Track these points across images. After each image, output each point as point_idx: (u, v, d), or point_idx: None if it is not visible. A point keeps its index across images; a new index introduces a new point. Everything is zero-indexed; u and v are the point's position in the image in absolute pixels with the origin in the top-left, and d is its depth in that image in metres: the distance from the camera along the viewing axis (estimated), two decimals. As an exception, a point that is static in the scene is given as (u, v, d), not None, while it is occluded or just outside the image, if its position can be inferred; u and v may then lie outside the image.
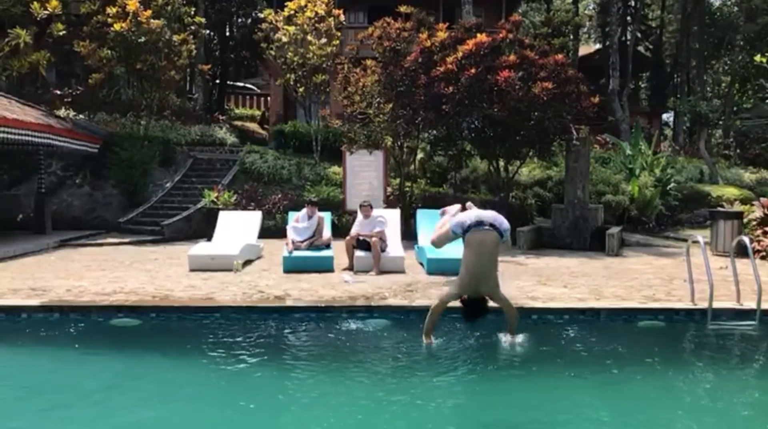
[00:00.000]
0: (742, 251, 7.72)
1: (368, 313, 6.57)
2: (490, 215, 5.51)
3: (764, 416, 4.46)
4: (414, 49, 12.30)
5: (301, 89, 16.19)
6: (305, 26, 15.63)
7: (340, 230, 11.51)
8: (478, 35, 11.93)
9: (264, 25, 16.81)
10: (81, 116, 16.15)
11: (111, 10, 14.67)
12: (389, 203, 13.22)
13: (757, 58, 23.83)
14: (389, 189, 14.08)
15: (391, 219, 9.80)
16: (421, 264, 9.26)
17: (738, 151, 22.14)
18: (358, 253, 8.88)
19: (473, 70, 11.41)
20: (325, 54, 15.61)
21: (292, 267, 8.74)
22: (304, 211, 9.58)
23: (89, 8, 15.26)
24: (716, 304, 6.45)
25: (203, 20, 18.46)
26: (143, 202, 14.70)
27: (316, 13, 15.74)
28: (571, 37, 26.23)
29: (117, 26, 14.42)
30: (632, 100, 27.32)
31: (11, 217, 13.83)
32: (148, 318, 6.51)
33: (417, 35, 12.50)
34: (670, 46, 31.19)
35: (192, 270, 8.84)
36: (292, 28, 15.69)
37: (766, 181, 18.03)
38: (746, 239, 6.87)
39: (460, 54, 11.65)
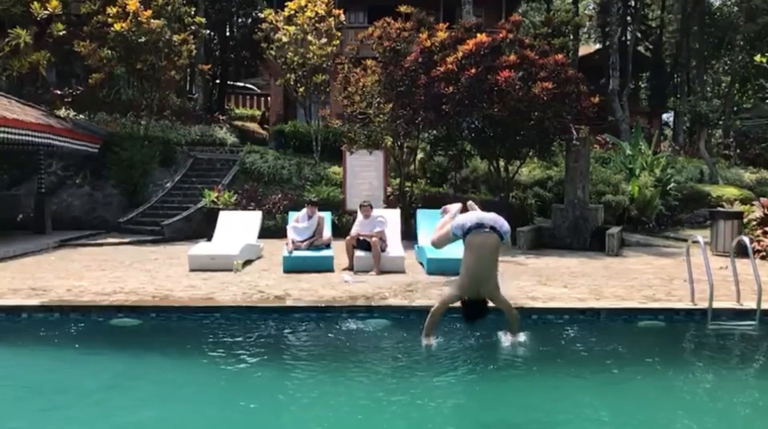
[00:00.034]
0: (742, 251, 7.72)
1: (368, 313, 6.56)
2: (490, 217, 5.51)
3: (764, 416, 4.46)
4: (414, 49, 12.31)
5: (301, 89, 16.20)
6: (305, 26, 15.63)
7: (340, 230, 11.51)
8: (478, 35, 11.93)
9: (264, 25, 16.82)
10: (81, 116, 16.15)
11: (111, 10, 14.68)
12: (389, 203, 13.22)
13: (757, 58, 23.81)
14: (389, 189, 14.08)
15: (391, 219, 9.80)
16: (421, 264, 9.26)
17: (738, 151, 22.14)
18: (358, 253, 8.88)
19: (473, 70, 11.41)
20: (325, 54, 15.62)
21: (292, 267, 8.74)
22: (304, 211, 9.58)
23: (89, 8, 15.26)
24: (716, 304, 6.45)
25: (203, 20, 18.47)
26: (143, 202, 14.71)
27: (316, 13, 15.74)
28: (571, 37, 26.22)
29: (117, 26, 14.43)
30: (632, 100, 27.32)
31: (11, 217, 13.83)
32: (148, 318, 6.50)
33: (417, 35, 12.50)
34: (670, 46, 31.19)
35: (192, 270, 8.84)
36: (292, 28, 15.69)
37: (766, 181, 18.04)
38: (746, 239, 6.87)
39: (460, 54, 11.65)
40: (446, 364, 5.32)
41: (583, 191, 11.93)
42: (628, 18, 28.52)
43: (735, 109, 25.70)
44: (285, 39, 15.73)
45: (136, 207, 14.49)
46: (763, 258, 10.03)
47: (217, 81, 28.45)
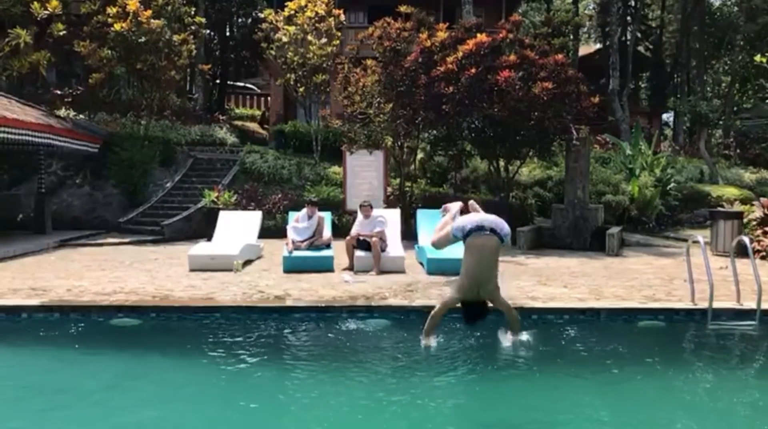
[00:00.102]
0: (742, 251, 7.71)
1: (368, 313, 6.56)
2: (490, 220, 5.51)
3: (764, 416, 4.45)
4: (414, 49, 12.31)
5: (301, 89, 16.20)
6: (305, 26, 15.63)
7: (340, 230, 11.51)
8: (478, 35, 11.93)
9: (264, 25, 16.82)
10: (81, 116, 16.15)
11: (111, 10, 14.68)
12: (389, 203, 13.22)
13: (757, 58, 23.82)
14: (389, 189, 14.08)
15: (391, 219, 9.80)
16: (421, 264, 9.26)
17: (738, 151, 22.15)
18: (358, 253, 8.88)
19: (473, 70, 11.41)
20: (326, 54, 15.62)
21: (292, 267, 8.74)
22: (304, 211, 9.58)
23: (89, 8, 15.26)
24: (716, 304, 6.45)
25: (203, 20, 18.47)
26: (143, 202, 14.71)
27: (317, 13, 15.74)
28: (571, 37, 26.22)
29: (117, 26, 14.43)
30: (632, 100, 27.32)
31: (11, 217, 13.83)
32: (148, 318, 6.50)
33: (417, 35, 12.50)
34: (670, 46, 31.20)
35: (192, 270, 8.84)
36: (292, 28, 15.70)
37: (766, 181, 18.04)
38: (746, 239, 6.87)
39: (460, 54, 11.65)
40: (446, 364, 5.32)
41: (583, 191, 11.93)
42: (628, 18, 28.52)
43: (735, 109, 25.70)
44: (285, 39, 15.74)
45: (136, 207, 14.49)
46: (763, 258, 10.02)
47: (217, 81, 28.45)
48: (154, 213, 14.10)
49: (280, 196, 13.96)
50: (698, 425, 4.27)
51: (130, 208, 14.52)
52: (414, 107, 12.16)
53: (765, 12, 23.72)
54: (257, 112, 28.85)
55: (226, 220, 10.83)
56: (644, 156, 15.82)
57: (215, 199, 13.29)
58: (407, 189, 13.71)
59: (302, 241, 9.22)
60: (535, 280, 8.19)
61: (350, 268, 8.84)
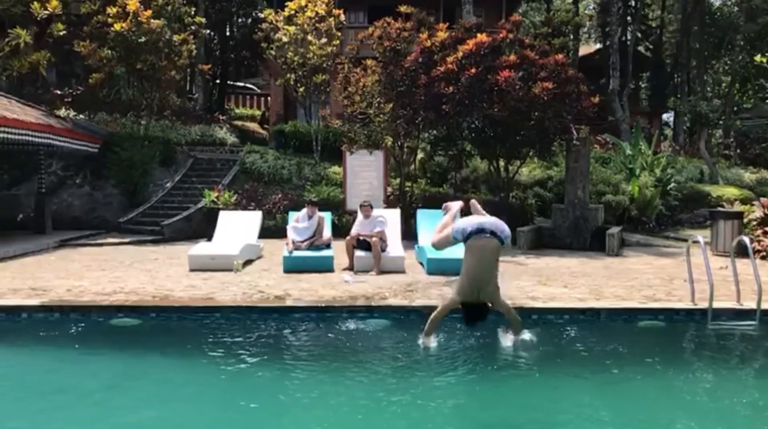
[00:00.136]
0: (742, 251, 7.72)
1: (368, 313, 6.57)
2: (491, 222, 5.51)
3: (764, 416, 4.45)
4: (414, 49, 12.30)
5: (301, 89, 16.20)
6: (305, 26, 15.64)
7: (340, 230, 11.51)
8: (479, 35, 11.93)
9: (264, 25, 16.82)
10: (81, 116, 16.15)
11: (111, 10, 14.68)
12: (389, 203, 13.22)
13: (758, 58, 23.81)
14: (389, 189, 14.08)
15: (391, 219, 9.80)
16: (421, 264, 9.26)
17: (738, 151, 22.14)
18: (359, 253, 8.88)
19: (473, 70, 11.41)
20: (326, 54, 15.62)
21: (293, 267, 8.74)
22: (305, 211, 9.58)
23: (89, 8, 15.26)
24: (716, 304, 6.44)
25: (203, 20, 18.47)
26: (143, 202, 14.71)
27: (317, 13, 15.75)
28: (571, 37, 26.21)
29: (117, 26, 14.43)
30: (632, 100, 27.31)
31: (11, 217, 13.83)
32: (148, 318, 6.51)
33: (417, 35, 12.49)
34: (670, 46, 31.20)
35: (192, 270, 8.84)
36: (292, 28, 15.70)
37: (766, 181, 18.03)
38: (746, 239, 6.87)
39: (460, 54, 11.65)
40: (446, 364, 5.32)
41: (583, 191, 11.93)
42: (629, 18, 28.52)
43: (735, 109, 25.69)
44: (285, 39, 15.74)
45: (136, 207, 14.49)
46: (763, 258, 10.02)
47: (217, 81, 28.46)
48: (154, 213, 14.10)
49: (280, 196, 13.96)
50: (698, 425, 4.27)
51: (130, 208, 14.52)
52: (414, 107, 12.16)
53: (765, 12, 23.72)
54: (257, 112, 28.85)
55: (226, 220, 10.83)
56: (644, 156, 15.82)
57: (215, 199, 13.29)
58: (407, 189, 13.71)
59: (302, 241, 9.22)
60: (535, 280, 8.19)
61: (350, 268, 8.84)
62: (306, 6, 15.75)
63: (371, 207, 9.38)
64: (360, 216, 9.37)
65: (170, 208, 14.19)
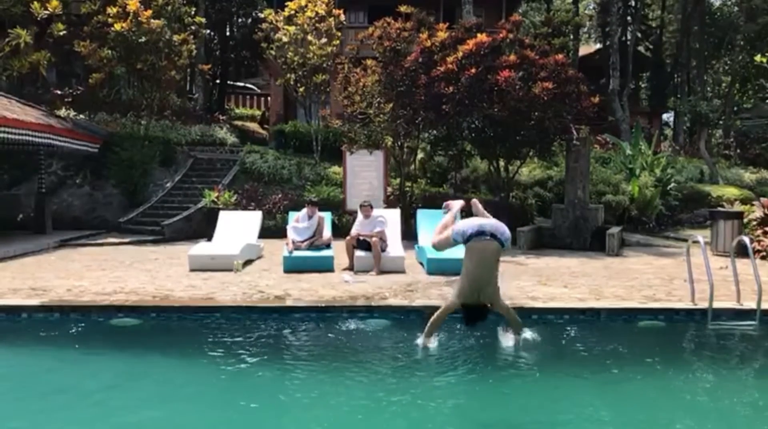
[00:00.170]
0: (742, 251, 7.72)
1: (368, 313, 6.57)
2: (491, 224, 5.51)
3: (764, 416, 4.46)
4: (414, 49, 12.30)
5: (301, 89, 16.20)
6: (305, 26, 15.64)
7: (340, 230, 11.51)
8: (479, 35, 11.93)
9: (264, 25, 16.82)
10: (81, 116, 16.14)
11: (111, 10, 14.68)
12: (389, 203, 13.22)
13: (758, 58, 23.81)
14: (389, 189, 14.08)
15: (391, 219, 9.80)
16: (421, 264, 9.26)
17: (738, 151, 22.14)
18: (359, 253, 8.88)
19: (473, 70, 11.41)
20: (326, 54, 15.62)
21: (293, 267, 8.74)
22: (305, 211, 9.58)
23: (90, 8, 15.26)
24: (716, 304, 6.45)
25: (203, 20, 18.47)
26: (143, 202, 14.71)
27: (317, 13, 15.75)
28: (572, 37, 26.21)
29: (117, 26, 14.43)
30: (632, 100, 27.32)
31: (11, 217, 13.83)
32: (148, 318, 6.51)
33: (417, 35, 12.49)
34: (670, 46, 31.19)
35: (192, 270, 8.84)
36: (292, 28, 15.70)
37: (766, 181, 18.03)
38: (746, 239, 6.87)
39: (460, 54, 11.65)
40: (446, 364, 5.32)
41: (583, 191, 11.93)
42: (629, 18, 28.52)
43: (735, 109, 25.70)
44: (285, 39, 15.74)
45: (137, 207, 14.50)
46: (763, 258, 10.02)
47: (217, 81, 28.45)
48: (154, 213, 14.10)
49: (280, 196, 13.96)
50: (698, 425, 4.27)
51: (130, 208, 14.52)
52: (414, 107, 12.16)
53: (765, 12, 23.72)
54: (257, 112, 28.85)
55: (227, 220, 10.83)
56: (644, 156, 15.82)
57: (215, 199, 13.29)
58: (407, 189, 13.71)
59: (302, 241, 9.22)
60: (535, 280, 8.19)
61: (350, 268, 8.84)
62: (306, 6, 15.75)
63: (371, 207, 9.38)
64: (360, 216, 9.37)
65: (170, 208, 14.19)
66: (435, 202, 12.17)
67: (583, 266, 9.54)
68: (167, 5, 15.50)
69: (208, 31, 24.55)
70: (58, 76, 19.67)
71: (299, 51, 15.55)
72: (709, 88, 28.99)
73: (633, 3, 29.09)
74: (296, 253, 8.93)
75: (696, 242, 7.00)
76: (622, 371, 5.24)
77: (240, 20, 28.76)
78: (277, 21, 16.29)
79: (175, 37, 15.41)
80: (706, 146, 18.86)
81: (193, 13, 16.95)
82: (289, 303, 6.83)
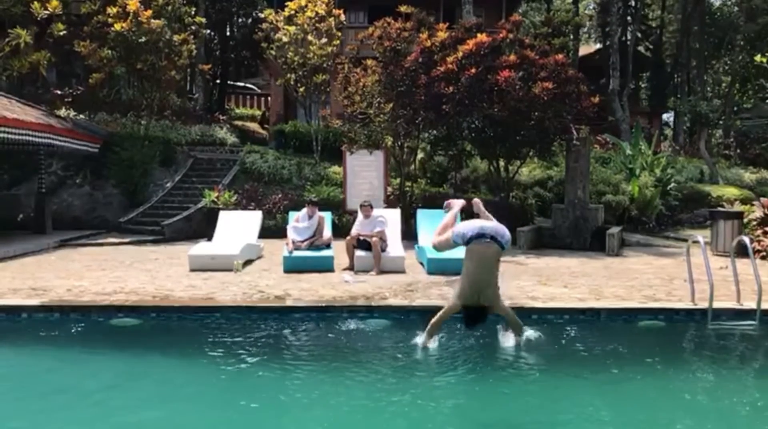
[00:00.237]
0: (742, 251, 7.71)
1: (369, 313, 6.57)
2: (491, 227, 5.51)
3: (764, 416, 4.46)
4: (414, 49, 12.30)
5: (301, 89, 16.20)
6: (305, 26, 15.64)
7: (340, 230, 11.51)
8: (479, 35, 11.93)
9: (264, 25, 16.82)
10: (81, 116, 16.14)
11: (111, 10, 14.68)
12: (389, 203, 13.22)
13: (758, 58, 23.81)
14: (389, 189, 14.08)
15: (391, 219, 9.80)
16: (422, 264, 9.26)
17: (738, 151, 22.15)
18: (359, 252, 8.88)
19: (473, 70, 11.41)
20: (326, 54, 15.62)
21: (293, 267, 8.74)
22: (305, 210, 9.58)
23: (90, 8, 15.26)
24: (716, 304, 6.44)
25: (203, 20, 18.47)
26: (143, 202, 14.71)
27: (317, 13, 15.75)
28: (572, 37, 26.22)
29: (117, 26, 14.43)
30: (632, 100, 27.32)
31: (11, 217, 13.83)
32: (148, 318, 6.51)
33: (417, 35, 12.50)
34: (670, 46, 31.19)
35: (192, 270, 8.84)
36: (292, 28, 15.70)
37: (766, 181, 18.03)
38: (746, 239, 6.87)
39: (460, 54, 11.65)
40: (446, 364, 5.32)
41: (583, 191, 11.93)
42: (629, 18, 28.52)
43: (735, 109, 25.70)
44: (285, 39, 15.74)
45: (137, 207, 14.50)
46: (763, 258, 10.02)
47: (218, 81, 28.45)
48: (155, 213, 14.10)
49: (280, 196, 13.96)
50: (698, 425, 4.27)
51: (130, 208, 14.52)
52: (414, 107, 12.16)
53: (765, 12, 23.72)
54: (257, 112, 28.85)
55: (227, 220, 10.83)
56: (644, 156, 15.82)
57: (215, 199, 13.29)
58: (407, 189, 13.71)
59: (302, 241, 9.22)
60: (535, 280, 8.19)
61: (350, 268, 8.85)
62: (306, 6, 15.75)
63: (371, 207, 9.38)
64: (360, 216, 9.37)
65: (170, 208, 14.19)
66: (435, 202, 12.18)
67: (583, 266, 9.54)
68: (167, 5, 15.50)
69: (208, 31, 24.54)
70: (58, 76, 19.67)
71: (299, 51, 15.55)
72: (709, 88, 29.00)
73: (633, 3, 29.09)
74: (296, 253, 8.93)
75: (696, 242, 7.00)
76: (622, 371, 5.24)
77: (240, 20, 28.77)
78: (277, 21, 16.29)
79: (175, 37, 15.41)
80: (706, 146, 18.86)
81: (193, 13, 16.95)
82: (289, 303, 6.83)
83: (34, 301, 6.76)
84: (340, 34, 16.43)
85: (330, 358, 5.43)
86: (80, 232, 13.30)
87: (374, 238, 8.81)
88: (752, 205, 12.21)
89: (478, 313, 5.49)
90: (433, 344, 5.58)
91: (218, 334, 6.06)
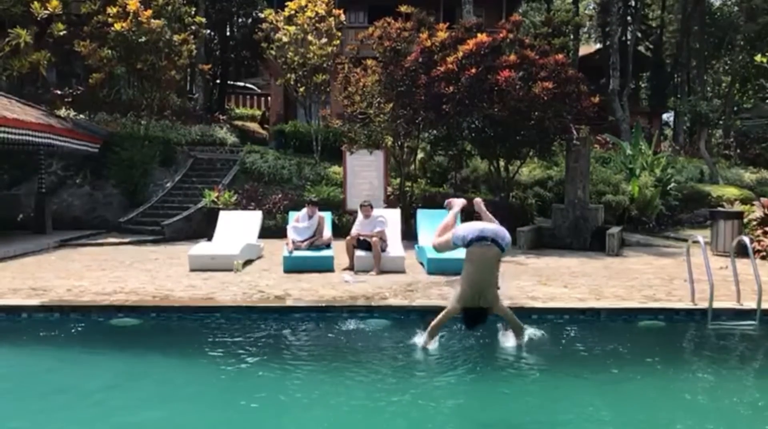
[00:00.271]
0: (742, 251, 7.72)
1: (368, 313, 6.57)
2: (492, 229, 5.51)
3: (764, 416, 4.46)
4: (414, 49, 12.30)
5: (301, 89, 16.20)
6: (305, 26, 15.64)
7: (340, 230, 11.51)
8: (479, 35, 11.93)
9: (264, 25, 16.83)
10: (81, 116, 16.15)
11: (111, 10, 14.67)
12: (389, 203, 13.22)
13: (758, 58, 23.80)
14: (389, 189, 14.08)
15: (391, 219, 9.80)
16: (422, 264, 9.26)
17: (738, 151, 22.15)
18: (359, 252, 8.88)
19: (473, 70, 11.41)
20: (326, 54, 15.62)
21: (293, 267, 8.74)
22: (305, 210, 9.58)
23: (90, 8, 15.25)
24: (716, 304, 6.44)
25: (203, 20, 18.46)
26: (143, 202, 14.71)
27: (317, 12, 15.75)
28: (572, 37, 26.23)
29: (117, 26, 14.43)
30: (632, 100, 27.31)
31: (11, 217, 13.83)
32: (148, 318, 6.51)
33: (417, 35, 12.49)
34: (670, 45, 31.19)
35: (192, 270, 8.84)
36: (292, 28, 15.70)
37: (766, 181, 18.03)
38: (746, 239, 6.87)
39: (460, 54, 11.65)
40: (446, 364, 5.32)
41: (583, 191, 11.93)
42: (629, 18, 28.51)
43: (735, 109, 25.69)
44: (285, 39, 15.74)
45: (137, 207, 14.50)
46: (763, 258, 10.02)
47: (218, 81, 28.45)
48: (155, 213, 14.10)
49: (280, 196, 13.96)
50: (698, 425, 4.27)
51: (130, 208, 14.52)
52: (414, 107, 12.16)
53: (765, 12, 23.71)
54: (257, 112, 28.84)
55: (227, 220, 10.83)
56: (644, 156, 15.81)
57: (215, 199, 13.29)
58: (407, 189, 13.71)
59: (302, 241, 9.22)
60: (535, 280, 8.19)
61: (350, 268, 8.85)
62: (306, 6, 15.75)
63: (371, 207, 9.38)
64: (360, 216, 9.37)
65: (170, 208, 14.19)
66: (435, 202, 12.19)
67: (583, 266, 9.54)
68: (167, 5, 15.50)
69: (208, 31, 24.54)
70: (58, 76, 19.67)
71: (299, 51, 15.55)
72: (709, 88, 28.99)
73: (633, 3, 29.09)
74: (296, 253, 8.93)
75: (696, 242, 7.00)
76: (622, 371, 5.24)
77: (240, 20, 28.77)
78: (277, 21, 16.29)
79: (175, 37, 15.41)
80: (706, 146, 18.86)
81: (193, 13, 16.94)
82: (289, 303, 6.83)
83: (34, 301, 6.76)
84: (340, 34, 16.43)
85: (330, 358, 5.43)
86: (80, 232, 13.30)
87: (374, 238, 8.81)
88: (752, 205, 12.21)
89: (478, 314, 5.50)
90: (433, 345, 5.58)
91: (218, 334, 6.06)
